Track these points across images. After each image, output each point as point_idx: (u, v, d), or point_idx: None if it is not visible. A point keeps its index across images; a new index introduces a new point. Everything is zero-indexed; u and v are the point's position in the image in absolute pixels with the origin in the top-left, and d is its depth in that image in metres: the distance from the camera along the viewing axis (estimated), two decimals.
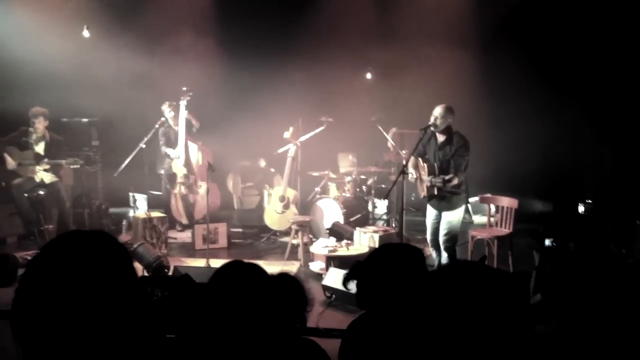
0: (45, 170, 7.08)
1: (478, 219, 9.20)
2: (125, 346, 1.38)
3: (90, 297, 1.35)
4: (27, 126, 7.14)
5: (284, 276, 1.91)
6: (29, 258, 6.69)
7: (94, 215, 8.22)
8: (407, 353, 1.81)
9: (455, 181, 5.39)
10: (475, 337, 1.52)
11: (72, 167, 7.32)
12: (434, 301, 1.57)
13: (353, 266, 2.29)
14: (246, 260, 1.90)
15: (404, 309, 1.97)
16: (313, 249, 6.69)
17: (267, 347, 1.69)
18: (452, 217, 5.76)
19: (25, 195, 7.09)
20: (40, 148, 7.17)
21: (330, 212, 7.81)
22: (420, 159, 5.88)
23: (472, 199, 7.25)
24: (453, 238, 5.83)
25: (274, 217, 8.03)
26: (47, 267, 1.40)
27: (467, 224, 8.16)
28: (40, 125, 7.08)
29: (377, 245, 6.63)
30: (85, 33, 9.01)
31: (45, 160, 7.04)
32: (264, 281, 1.78)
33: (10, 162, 7.00)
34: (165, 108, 8.28)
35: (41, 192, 7.17)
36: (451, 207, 5.76)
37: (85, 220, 8.19)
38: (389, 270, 2.15)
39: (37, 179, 7.15)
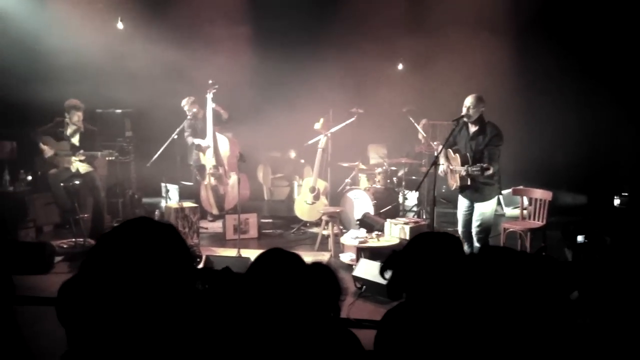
0: (81, 161, 7.20)
1: (510, 211, 9.09)
2: (172, 337, 1.40)
3: (148, 285, 1.37)
4: (62, 117, 7.25)
5: (318, 265, 1.91)
6: (64, 246, 6.89)
7: (128, 204, 8.35)
8: (447, 341, 1.80)
9: (490, 171, 5.32)
10: (513, 325, 1.51)
11: (107, 159, 7.43)
12: (473, 288, 1.56)
13: (390, 255, 2.26)
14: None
15: (445, 297, 1.95)
16: (343, 240, 6.69)
17: (304, 335, 1.70)
18: (485, 209, 5.69)
19: (62, 185, 7.21)
20: (75, 139, 7.28)
21: (360, 203, 7.80)
22: (450, 150, 5.81)
23: (504, 191, 7.16)
24: (486, 229, 5.76)
25: (304, 208, 8.05)
26: (111, 251, 1.41)
27: (498, 216, 8.07)
28: (75, 116, 7.18)
29: (407, 237, 6.61)
30: (119, 25, 9.13)
31: (81, 151, 7.16)
32: (302, 270, 1.78)
33: (48, 151, 7.14)
34: (185, 104, 8.38)
35: (77, 182, 7.29)
36: (484, 198, 5.68)
37: (119, 210, 8.33)
38: (428, 259, 2.12)
39: (73, 169, 7.27)
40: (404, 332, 2.00)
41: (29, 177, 7.87)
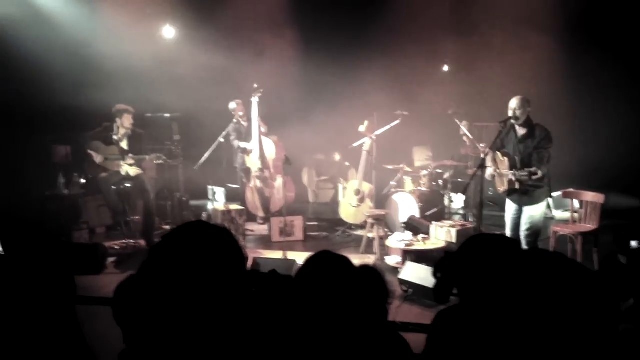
0: (130, 165, 7.37)
1: (559, 214, 8.88)
2: (227, 338, 1.43)
3: (204, 288, 1.41)
4: (109, 122, 7.43)
5: (367, 268, 1.92)
6: (116, 247, 7.08)
7: (176, 207, 8.52)
8: (502, 346, 1.78)
9: (539, 175, 5.22)
10: (561, 330, 1.49)
11: (154, 162, 7.60)
12: (527, 292, 1.54)
13: (443, 257, 2.23)
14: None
15: (502, 301, 1.92)
16: (389, 242, 6.67)
17: (354, 338, 1.71)
18: (535, 212, 5.58)
19: (113, 188, 7.41)
20: (124, 143, 7.45)
21: (405, 206, 7.76)
22: (498, 152, 5.73)
23: (554, 194, 7.00)
24: (535, 233, 5.64)
25: (350, 210, 8.06)
26: (169, 253, 1.46)
27: (547, 219, 7.89)
28: (125, 121, 7.35)
29: (454, 240, 6.54)
30: (168, 31, 9.33)
31: (130, 155, 7.33)
32: (351, 273, 1.79)
33: (96, 156, 7.32)
34: (233, 107, 8.50)
35: (127, 185, 7.46)
36: (533, 201, 5.57)
37: (168, 212, 8.51)
38: (486, 261, 2.08)
39: (123, 173, 7.44)
40: (458, 335, 1.98)
41: (83, 180, 8.10)
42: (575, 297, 1.52)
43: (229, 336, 1.45)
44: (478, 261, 2.09)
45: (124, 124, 7.33)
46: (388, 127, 8.13)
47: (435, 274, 2.20)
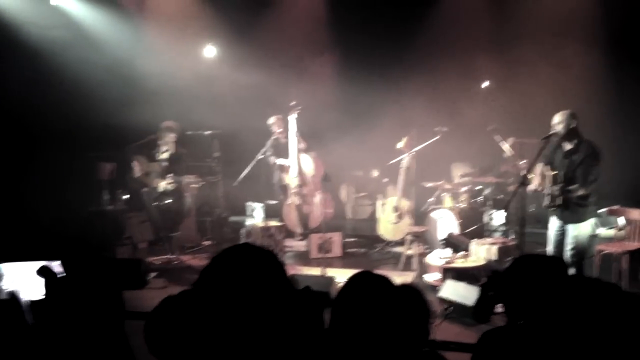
0: (169, 184, 7.47)
1: (604, 231, 8.63)
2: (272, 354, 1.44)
3: (251, 308, 1.43)
4: (155, 136, 7.58)
5: (407, 288, 1.91)
6: (158, 263, 7.20)
7: (216, 223, 8.62)
8: None
9: (581, 192, 5.10)
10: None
11: (192, 185, 7.72)
12: (575, 320, 1.51)
13: (491, 276, 2.19)
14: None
15: (553, 323, 1.88)
16: (428, 259, 6.60)
17: (397, 358, 1.70)
18: (579, 231, 5.43)
19: (155, 203, 7.54)
20: (166, 161, 7.57)
21: (444, 223, 7.68)
22: (545, 167, 5.61)
23: (599, 211, 6.84)
24: (580, 253, 5.48)
25: (388, 227, 8.02)
26: (219, 275, 1.49)
27: (591, 237, 7.69)
28: (170, 139, 7.50)
29: (494, 258, 6.44)
30: (209, 50, 9.51)
31: (171, 175, 7.43)
32: (393, 292, 1.79)
33: (138, 171, 7.44)
34: (272, 122, 8.57)
35: (168, 201, 7.60)
36: (577, 219, 5.42)
37: (208, 228, 8.61)
38: (535, 282, 2.04)
39: (160, 189, 7.53)
40: (507, 357, 1.94)
41: (125, 197, 8.27)
42: (628, 334, 1.48)
43: (275, 354, 1.47)
44: (528, 282, 2.04)
45: (167, 141, 7.48)
46: (427, 143, 8.09)
47: (485, 292, 2.17)
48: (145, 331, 1.90)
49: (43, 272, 2.15)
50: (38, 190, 7.45)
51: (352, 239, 8.52)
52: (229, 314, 1.45)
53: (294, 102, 8.33)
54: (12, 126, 7.48)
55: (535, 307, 1.98)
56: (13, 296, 2.29)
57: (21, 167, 7.55)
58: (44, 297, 2.11)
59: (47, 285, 2.13)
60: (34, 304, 2.21)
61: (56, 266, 2.21)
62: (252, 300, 1.46)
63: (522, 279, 2.07)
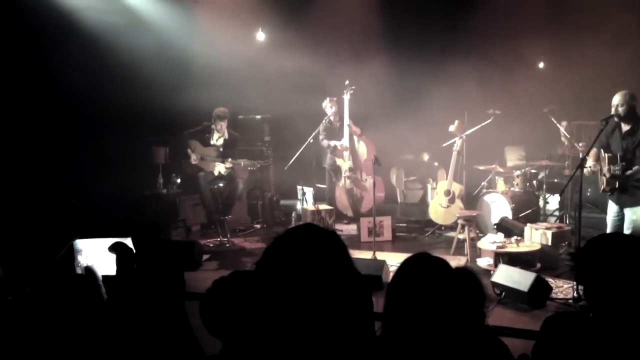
0: (227, 167, 7.63)
1: None
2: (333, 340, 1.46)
3: (315, 288, 1.45)
4: (208, 122, 7.72)
5: (463, 271, 1.89)
6: (210, 245, 7.34)
7: (267, 207, 8.72)
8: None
9: (636, 172, 4.91)
10: None
11: (249, 168, 7.82)
12: None
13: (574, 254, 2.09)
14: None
15: (628, 307, 1.81)
16: (481, 244, 6.51)
17: (455, 341, 1.69)
18: (638, 215, 5.23)
19: (208, 187, 7.71)
20: (221, 145, 7.74)
21: (497, 207, 7.56)
22: (602, 150, 5.44)
23: None
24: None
25: (439, 211, 7.94)
26: (281, 255, 1.52)
27: None
28: (223, 124, 7.66)
29: (549, 243, 6.30)
30: (260, 35, 9.57)
31: (229, 159, 7.57)
32: (450, 275, 1.78)
33: (194, 158, 7.64)
34: (327, 104, 8.56)
35: (221, 185, 7.75)
36: (635, 202, 5.22)
37: (259, 212, 8.73)
38: (615, 265, 1.95)
39: (216, 173, 7.72)
40: (575, 343, 1.89)
41: (179, 180, 8.46)
42: None
43: (337, 336, 1.48)
44: (611, 263, 1.95)
45: (219, 127, 7.63)
46: (479, 126, 7.95)
47: (577, 278, 2.08)
48: (201, 311, 1.95)
49: (116, 248, 2.21)
50: (96, 174, 7.64)
51: (403, 224, 8.47)
52: (292, 293, 1.47)
53: (347, 82, 8.31)
54: (72, 111, 7.69)
55: (616, 290, 1.90)
56: (89, 271, 2.38)
57: (77, 151, 7.72)
58: (115, 273, 2.19)
59: (119, 262, 2.20)
60: (105, 279, 2.30)
61: (128, 243, 2.28)
62: (315, 280, 1.47)
63: (605, 260, 1.97)
